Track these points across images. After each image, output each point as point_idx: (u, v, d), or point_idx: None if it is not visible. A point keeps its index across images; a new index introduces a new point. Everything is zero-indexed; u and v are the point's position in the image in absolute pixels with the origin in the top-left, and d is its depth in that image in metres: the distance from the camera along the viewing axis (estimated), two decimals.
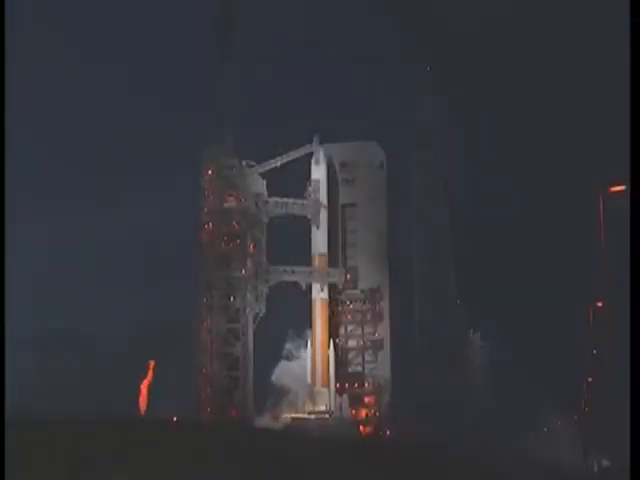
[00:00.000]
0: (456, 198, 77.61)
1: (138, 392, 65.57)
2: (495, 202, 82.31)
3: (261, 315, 68.51)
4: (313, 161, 70.52)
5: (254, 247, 67.99)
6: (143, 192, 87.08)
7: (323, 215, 69.99)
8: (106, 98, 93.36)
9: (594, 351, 47.78)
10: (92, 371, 71.83)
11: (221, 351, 65.36)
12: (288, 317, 69.93)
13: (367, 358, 73.07)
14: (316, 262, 69.60)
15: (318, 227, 69.62)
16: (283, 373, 68.58)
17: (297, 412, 67.18)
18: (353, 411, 69.61)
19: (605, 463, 50.42)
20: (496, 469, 67.81)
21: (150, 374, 66.19)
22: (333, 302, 71.75)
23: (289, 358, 69.15)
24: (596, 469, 53.11)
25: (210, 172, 67.90)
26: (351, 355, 73.32)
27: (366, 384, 71.73)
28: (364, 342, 73.13)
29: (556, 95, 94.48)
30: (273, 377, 68.22)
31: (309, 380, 68.19)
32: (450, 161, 77.57)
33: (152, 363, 66.32)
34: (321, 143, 70.88)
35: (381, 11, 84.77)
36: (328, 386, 67.30)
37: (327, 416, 65.77)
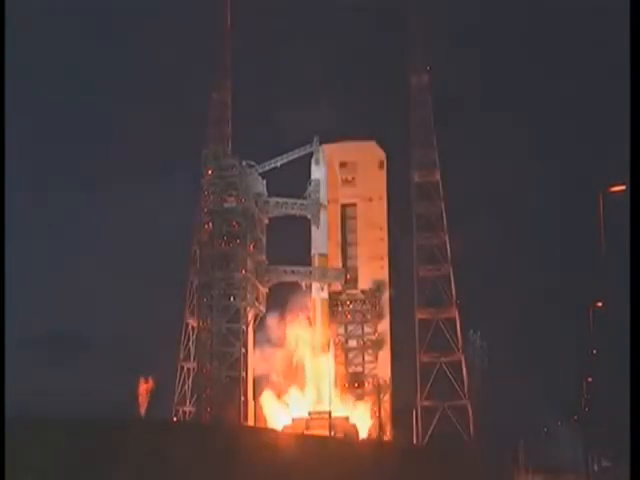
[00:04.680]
0: (456, 197, 77.55)
1: (138, 392, 65.55)
2: (495, 202, 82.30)
3: (261, 315, 68.53)
4: (313, 161, 70.52)
5: (254, 247, 67.94)
6: (143, 192, 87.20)
7: (323, 215, 69.97)
8: (106, 97, 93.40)
9: (594, 351, 47.73)
10: (92, 371, 71.87)
11: (221, 351, 65.27)
12: (288, 317, 69.81)
13: (367, 358, 73.10)
14: (316, 262, 69.58)
15: (318, 227, 69.59)
16: (282, 373, 68.57)
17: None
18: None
19: (605, 463, 50.42)
20: (496, 468, 67.89)
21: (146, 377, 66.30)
22: (333, 302, 71.77)
23: (288, 358, 69.10)
24: (596, 469, 53.13)
25: (210, 172, 67.87)
26: (351, 355, 73.32)
27: (366, 384, 71.70)
28: (364, 342, 73.15)
29: (556, 95, 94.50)
30: (272, 377, 68.21)
31: (309, 380, 68.16)
32: (450, 160, 77.56)
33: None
34: (321, 143, 70.90)
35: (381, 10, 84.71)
36: (328, 386, 67.20)
37: (327, 416, 65.67)
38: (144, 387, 65.64)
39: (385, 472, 43.74)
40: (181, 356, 72.77)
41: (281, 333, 68.92)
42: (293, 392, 68.22)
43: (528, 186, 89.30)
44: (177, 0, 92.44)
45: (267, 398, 67.69)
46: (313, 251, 69.98)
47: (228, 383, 64.88)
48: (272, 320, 68.92)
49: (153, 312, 71.22)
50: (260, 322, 68.74)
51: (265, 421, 66.96)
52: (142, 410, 65.46)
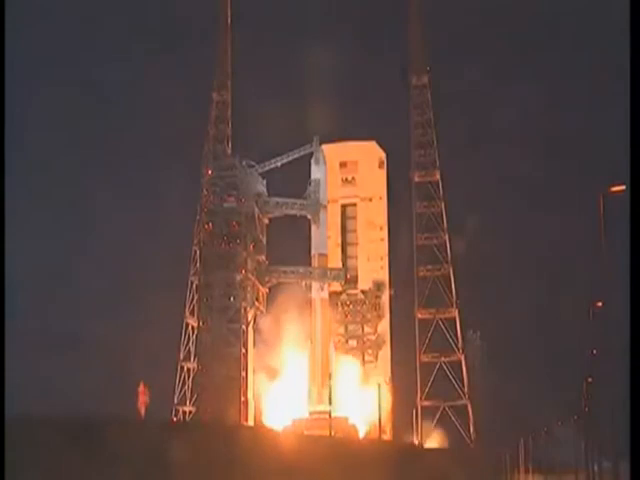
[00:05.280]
0: (456, 197, 77.60)
1: (137, 392, 65.55)
2: (495, 201, 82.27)
3: (261, 315, 68.52)
4: (313, 161, 70.53)
5: (254, 247, 67.93)
6: (143, 192, 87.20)
7: (323, 215, 69.97)
8: (105, 95, 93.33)
9: (594, 351, 47.69)
10: (91, 371, 71.82)
11: (221, 351, 65.26)
12: (288, 317, 69.77)
13: (367, 358, 73.09)
14: (316, 262, 69.56)
15: (318, 227, 69.59)
16: (283, 373, 68.59)
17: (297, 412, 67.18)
18: None
19: (605, 463, 50.40)
20: (496, 468, 67.96)
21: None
22: (333, 302, 71.77)
23: (289, 358, 69.09)
24: (596, 469, 53.12)
25: (210, 172, 67.93)
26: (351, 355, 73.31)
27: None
28: (364, 342, 73.17)
29: (555, 94, 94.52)
30: (273, 377, 68.23)
31: (309, 380, 68.16)
32: (449, 160, 77.58)
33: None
34: (321, 143, 70.90)
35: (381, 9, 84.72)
36: (328, 386, 67.21)
37: (327, 416, 65.70)
38: (144, 387, 65.66)
39: (385, 472, 43.73)
40: (181, 356, 72.85)
41: (280, 333, 68.94)
42: (288, 375, 68.02)
43: (528, 186, 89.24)
44: None
45: (261, 380, 67.44)
46: (313, 251, 69.97)
47: (228, 383, 64.84)
48: (271, 320, 68.97)
49: (153, 312, 71.16)
50: (259, 322, 68.78)
51: (260, 406, 66.79)
52: (142, 410, 65.50)
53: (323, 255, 69.91)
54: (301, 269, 69.88)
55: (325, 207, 70.39)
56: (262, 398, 67.88)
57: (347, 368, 68.88)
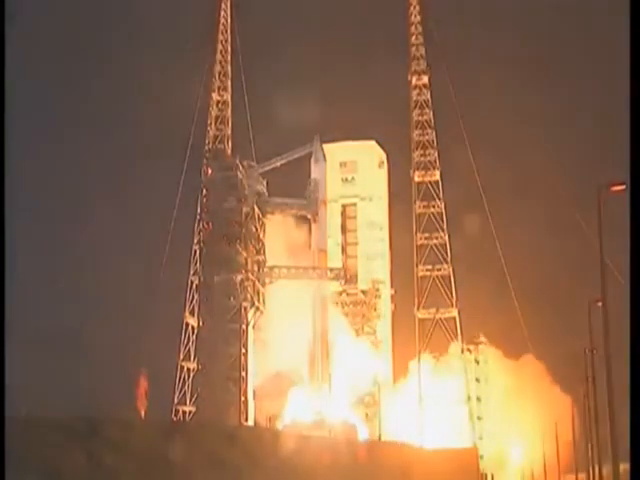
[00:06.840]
0: (455, 196, 77.62)
1: (137, 392, 65.62)
2: (494, 200, 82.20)
3: (261, 315, 68.48)
4: (313, 160, 70.55)
5: (254, 247, 67.96)
6: (142, 191, 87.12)
7: (322, 212, 69.96)
8: (103, 94, 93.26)
9: (594, 351, 47.65)
10: (91, 371, 71.88)
11: (221, 351, 65.26)
12: (288, 317, 69.74)
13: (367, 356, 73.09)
14: (315, 258, 69.56)
15: (318, 226, 69.62)
16: (283, 373, 68.56)
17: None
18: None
19: (605, 464, 50.39)
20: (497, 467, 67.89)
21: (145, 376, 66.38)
22: (333, 302, 71.73)
23: (289, 357, 69.07)
24: (596, 469, 53.06)
25: (210, 172, 67.96)
26: None
27: None
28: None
29: (555, 93, 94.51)
30: (273, 376, 68.19)
31: (309, 379, 68.15)
32: (448, 159, 77.59)
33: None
34: (321, 143, 70.89)
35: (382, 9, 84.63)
36: (328, 385, 67.25)
37: (326, 416, 65.76)
38: (144, 387, 65.72)
39: (386, 472, 43.78)
40: (181, 356, 72.87)
41: (280, 332, 68.91)
42: (287, 375, 67.96)
43: (528, 185, 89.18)
44: None
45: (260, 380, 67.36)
46: (313, 247, 69.92)
47: (228, 383, 64.85)
48: (270, 319, 68.93)
49: (153, 312, 71.16)
50: (259, 322, 68.72)
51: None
52: (142, 410, 65.55)
53: (322, 251, 69.87)
54: (301, 268, 69.85)
55: (325, 203, 70.28)
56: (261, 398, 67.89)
57: (347, 366, 68.91)
